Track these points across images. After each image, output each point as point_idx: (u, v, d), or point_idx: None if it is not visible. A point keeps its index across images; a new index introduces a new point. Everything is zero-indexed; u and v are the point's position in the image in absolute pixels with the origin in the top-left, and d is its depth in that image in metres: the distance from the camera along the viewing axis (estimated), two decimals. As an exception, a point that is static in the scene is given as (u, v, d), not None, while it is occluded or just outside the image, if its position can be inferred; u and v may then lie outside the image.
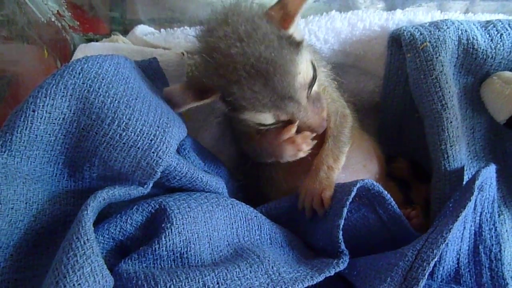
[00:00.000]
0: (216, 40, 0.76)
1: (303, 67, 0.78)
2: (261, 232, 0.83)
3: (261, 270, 0.71)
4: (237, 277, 0.68)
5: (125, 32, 1.19)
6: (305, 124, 0.83)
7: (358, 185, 0.79)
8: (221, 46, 0.75)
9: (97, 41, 1.16)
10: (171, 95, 0.82)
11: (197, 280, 0.66)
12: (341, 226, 0.78)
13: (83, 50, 1.01)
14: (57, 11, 1.10)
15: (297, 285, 0.70)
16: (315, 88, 0.83)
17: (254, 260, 0.73)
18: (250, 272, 0.70)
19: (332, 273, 0.74)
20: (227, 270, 0.69)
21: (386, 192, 0.81)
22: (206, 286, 0.66)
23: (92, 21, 1.16)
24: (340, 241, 0.78)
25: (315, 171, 0.89)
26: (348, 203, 0.78)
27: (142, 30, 1.14)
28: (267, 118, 0.81)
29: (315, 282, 0.72)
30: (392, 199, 0.82)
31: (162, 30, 1.16)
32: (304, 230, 0.89)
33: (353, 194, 0.79)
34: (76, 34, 1.20)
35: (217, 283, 0.66)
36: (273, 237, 0.84)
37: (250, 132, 0.93)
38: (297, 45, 0.78)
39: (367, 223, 0.84)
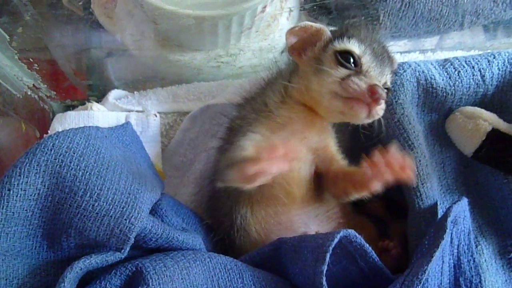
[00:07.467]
0: None
1: None
2: (243, 279, 0.83)
3: None
4: None
5: (102, 97, 1.21)
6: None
7: (341, 233, 0.78)
8: None
9: (74, 107, 1.19)
10: None
11: None
12: (324, 272, 0.76)
13: (60, 120, 1.04)
14: (33, 84, 1.13)
15: None
16: None
17: None
18: None
19: None
20: None
21: (367, 245, 0.80)
22: None
23: (68, 88, 1.19)
24: (324, 287, 0.77)
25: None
26: (331, 248, 0.77)
27: (116, 95, 1.17)
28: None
29: None
30: (373, 252, 0.81)
31: (135, 92, 1.20)
32: (288, 273, 0.88)
33: (336, 240, 0.77)
34: (54, 102, 1.23)
35: None
36: (256, 282, 0.83)
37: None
38: None
39: (349, 274, 0.83)
